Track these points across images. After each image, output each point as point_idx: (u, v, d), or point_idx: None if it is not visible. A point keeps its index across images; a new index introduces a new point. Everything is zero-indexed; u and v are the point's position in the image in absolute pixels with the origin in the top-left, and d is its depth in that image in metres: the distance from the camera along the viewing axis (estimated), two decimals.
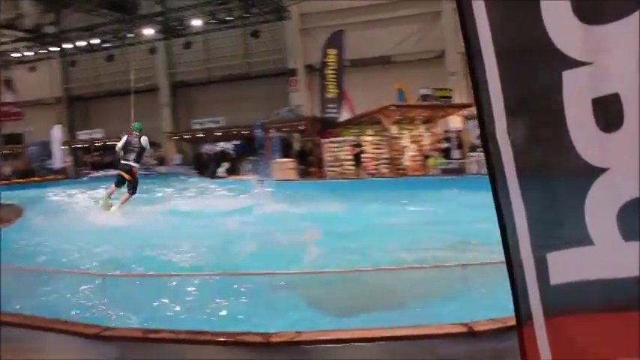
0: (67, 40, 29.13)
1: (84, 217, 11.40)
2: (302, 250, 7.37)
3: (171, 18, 27.92)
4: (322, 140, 22.97)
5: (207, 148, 31.90)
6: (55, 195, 15.53)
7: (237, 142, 30.45)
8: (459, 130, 22.13)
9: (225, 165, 25.91)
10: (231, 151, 30.43)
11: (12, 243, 8.73)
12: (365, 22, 26.53)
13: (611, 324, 1.60)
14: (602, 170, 1.58)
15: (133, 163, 11.87)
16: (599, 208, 1.58)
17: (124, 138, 12.11)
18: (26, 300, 5.30)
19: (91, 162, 30.98)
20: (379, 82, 24.48)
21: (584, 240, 1.58)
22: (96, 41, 28.37)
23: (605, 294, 1.60)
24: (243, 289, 5.22)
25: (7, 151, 32.31)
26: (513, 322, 1.68)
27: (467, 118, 21.27)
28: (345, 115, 24.15)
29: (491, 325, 3.62)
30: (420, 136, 22.25)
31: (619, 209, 1.58)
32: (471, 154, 20.05)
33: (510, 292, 1.64)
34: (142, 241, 8.73)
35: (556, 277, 1.58)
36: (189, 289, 5.42)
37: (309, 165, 24.10)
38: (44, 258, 7.72)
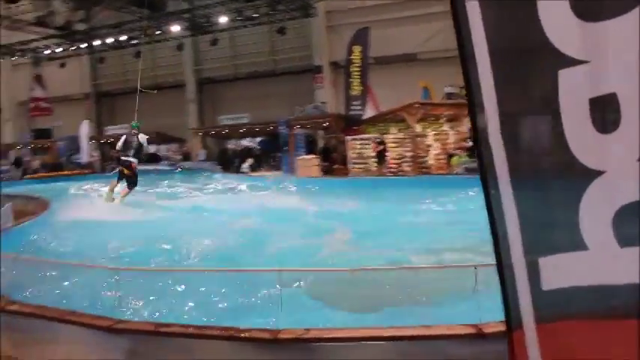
0: (96, 37, 29.61)
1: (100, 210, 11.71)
2: (317, 248, 7.37)
3: (198, 15, 28.16)
4: (346, 137, 22.89)
5: (232, 144, 32.14)
6: (79, 189, 15.80)
7: (262, 139, 30.60)
8: None
9: (250, 161, 26.03)
10: (255, 148, 30.59)
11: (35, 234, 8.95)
12: (391, 19, 26.37)
13: (604, 332, 1.55)
14: (599, 173, 1.54)
15: (132, 159, 12.57)
16: (595, 212, 1.54)
17: (124, 136, 13.00)
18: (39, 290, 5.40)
19: (117, 157, 31.33)
20: (404, 79, 24.31)
21: (579, 245, 1.54)
22: (124, 38, 28.75)
23: (600, 301, 1.55)
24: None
25: (37, 146, 33.05)
26: None
27: None
28: (369, 113, 24.03)
29: (501, 327, 3.53)
30: (444, 134, 22.03)
31: (615, 214, 1.54)
32: None
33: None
34: (153, 235, 8.85)
35: (548, 283, 1.54)
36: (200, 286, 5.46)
37: (333, 162, 24.06)
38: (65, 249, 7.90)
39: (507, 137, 1.53)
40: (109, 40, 29.30)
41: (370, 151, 21.95)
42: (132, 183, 12.71)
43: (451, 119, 22.45)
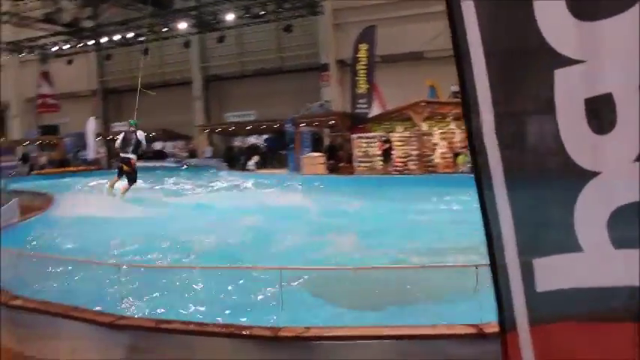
0: (104, 34, 29.71)
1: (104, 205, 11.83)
2: (320, 246, 7.37)
3: (206, 12, 28.19)
4: (352, 136, 22.85)
5: (239, 142, 32.18)
6: (82, 185, 15.93)
7: (268, 136, 30.63)
8: None
9: (255, 158, 26.05)
10: (261, 145, 30.62)
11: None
12: (397, 17, 26.30)
13: (599, 334, 1.54)
14: (594, 174, 1.52)
15: (131, 156, 12.97)
16: (590, 213, 1.53)
17: (122, 134, 13.50)
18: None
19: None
20: (410, 78, 24.23)
21: (573, 246, 1.53)
22: (131, 35, 28.83)
23: (595, 303, 1.54)
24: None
25: (44, 142, 33.20)
26: None
27: None
28: (375, 111, 23.97)
29: None
30: (451, 132, 21.94)
31: (610, 215, 1.52)
32: None
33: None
34: (157, 232, 8.90)
35: (543, 284, 1.53)
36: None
37: (339, 160, 24.03)
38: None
39: (502, 137, 1.52)
40: (116, 37, 29.37)
41: (376, 150, 21.91)
42: (131, 179, 13.11)
43: (457, 118, 22.34)
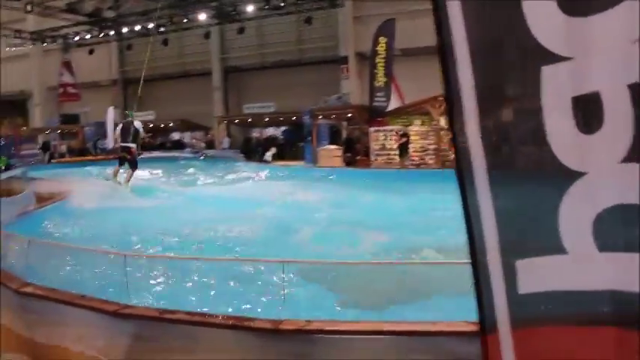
0: (125, 25, 29.94)
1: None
2: (331, 238, 7.35)
3: (226, 3, 28.23)
4: (370, 129, 22.75)
5: (256, 133, 32.23)
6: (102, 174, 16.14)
7: (286, 128, 30.64)
8: None
9: (272, 150, 26.06)
10: (279, 137, 30.64)
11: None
12: (417, 10, 25.99)
13: (581, 338, 1.51)
14: (580, 174, 1.49)
15: (131, 145, 13.55)
16: (575, 215, 1.49)
17: (120, 125, 14.36)
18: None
19: (142, 143, 31.65)
20: (429, 72, 23.81)
21: (557, 248, 1.50)
22: (151, 26, 28.99)
23: (577, 307, 1.51)
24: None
25: (65, 131, 33.59)
26: None
27: None
28: (393, 104, 23.82)
29: None
30: None
31: (595, 217, 1.49)
32: None
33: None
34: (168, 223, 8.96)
35: (525, 286, 1.50)
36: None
37: (356, 153, 23.95)
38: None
39: (486, 136, 1.49)
40: (137, 28, 29.57)
41: (393, 143, 21.80)
42: (133, 166, 13.66)
43: None
